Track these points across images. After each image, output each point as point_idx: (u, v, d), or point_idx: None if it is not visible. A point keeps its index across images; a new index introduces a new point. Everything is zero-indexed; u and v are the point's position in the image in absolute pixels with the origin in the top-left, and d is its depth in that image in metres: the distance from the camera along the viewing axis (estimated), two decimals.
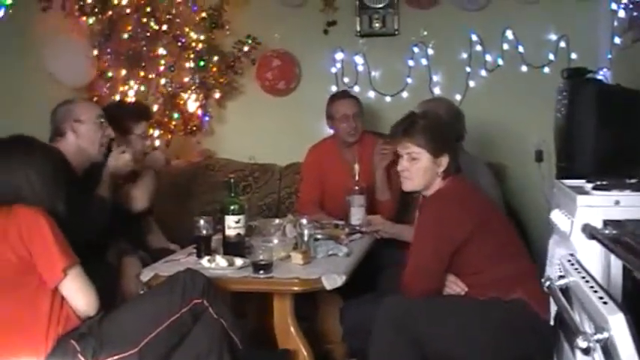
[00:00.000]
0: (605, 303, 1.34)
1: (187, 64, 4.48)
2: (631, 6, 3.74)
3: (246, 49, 4.53)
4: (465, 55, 4.57)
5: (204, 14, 4.45)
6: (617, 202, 1.76)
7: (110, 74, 4.30)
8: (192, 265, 2.64)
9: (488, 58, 4.55)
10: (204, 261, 2.71)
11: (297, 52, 4.71)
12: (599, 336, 1.29)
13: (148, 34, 4.31)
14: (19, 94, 3.68)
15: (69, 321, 2.23)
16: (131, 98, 4.28)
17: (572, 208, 1.82)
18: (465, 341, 2.35)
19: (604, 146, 3.08)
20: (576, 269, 1.64)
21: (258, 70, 4.68)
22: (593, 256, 1.70)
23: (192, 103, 4.55)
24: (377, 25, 4.63)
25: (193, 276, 2.42)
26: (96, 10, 4.11)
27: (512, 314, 2.38)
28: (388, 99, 4.66)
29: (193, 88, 4.52)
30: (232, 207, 2.85)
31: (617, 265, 1.62)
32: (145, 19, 4.29)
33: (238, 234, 2.84)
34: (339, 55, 4.69)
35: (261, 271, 2.60)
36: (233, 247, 2.82)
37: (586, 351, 1.35)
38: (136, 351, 2.25)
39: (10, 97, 3.62)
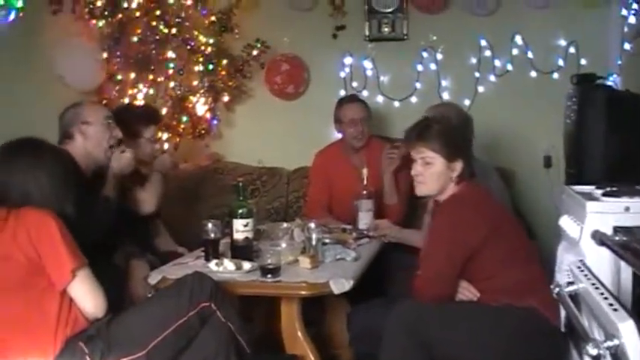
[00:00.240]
0: (615, 310, 1.33)
1: (196, 68, 4.49)
2: None
3: (255, 52, 4.53)
4: (474, 60, 4.56)
5: (213, 18, 4.47)
6: (627, 209, 1.75)
7: (119, 77, 4.30)
8: (200, 269, 2.63)
9: (497, 63, 4.54)
10: (212, 264, 2.71)
11: (306, 57, 4.71)
12: (609, 343, 1.29)
13: (158, 37, 4.32)
14: (28, 96, 3.69)
15: (77, 323, 2.22)
16: (140, 101, 4.29)
17: (582, 215, 1.81)
18: (477, 347, 2.34)
19: (613, 152, 3.07)
20: (586, 276, 1.64)
21: (267, 74, 4.69)
22: (603, 262, 1.69)
23: (200, 106, 4.56)
24: (386, 29, 4.63)
25: (201, 279, 2.42)
26: (106, 13, 4.12)
27: (523, 320, 2.37)
28: (397, 104, 4.66)
29: (202, 91, 4.53)
30: (240, 210, 2.85)
31: (627, 271, 1.61)
32: (154, 23, 4.30)
33: (246, 238, 2.84)
34: (348, 60, 4.69)
35: (269, 275, 2.59)
36: (241, 251, 2.82)
37: (596, 358, 1.34)
38: (144, 354, 2.25)
39: (20, 100, 3.64)
